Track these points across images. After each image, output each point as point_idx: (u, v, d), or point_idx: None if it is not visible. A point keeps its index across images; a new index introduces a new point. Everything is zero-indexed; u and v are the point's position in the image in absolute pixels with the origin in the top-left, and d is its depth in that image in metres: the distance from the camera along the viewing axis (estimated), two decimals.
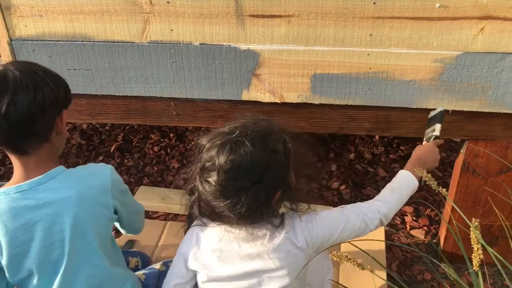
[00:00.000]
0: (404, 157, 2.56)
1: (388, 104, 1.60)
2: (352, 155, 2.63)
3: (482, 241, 0.99)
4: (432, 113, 1.54)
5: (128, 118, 1.82)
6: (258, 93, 1.64)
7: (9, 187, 1.22)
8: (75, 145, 2.87)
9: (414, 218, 2.18)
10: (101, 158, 2.75)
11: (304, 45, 1.53)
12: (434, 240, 2.07)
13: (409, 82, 1.54)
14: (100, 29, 1.60)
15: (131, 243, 1.97)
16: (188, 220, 1.35)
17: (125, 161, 2.73)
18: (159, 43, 1.59)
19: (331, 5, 1.45)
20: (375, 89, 1.58)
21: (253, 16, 1.50)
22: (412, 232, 2.12)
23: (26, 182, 1.22)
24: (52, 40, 1.65)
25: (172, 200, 2.28)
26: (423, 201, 2.22)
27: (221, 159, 1.11)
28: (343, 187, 2.39)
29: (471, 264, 1.02)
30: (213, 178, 1.13)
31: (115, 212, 1.34)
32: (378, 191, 1.38)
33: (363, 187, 2.39)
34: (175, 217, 2.23)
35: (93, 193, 1.26)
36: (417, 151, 1.45)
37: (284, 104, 1.66)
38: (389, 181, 1.40)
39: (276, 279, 1.23)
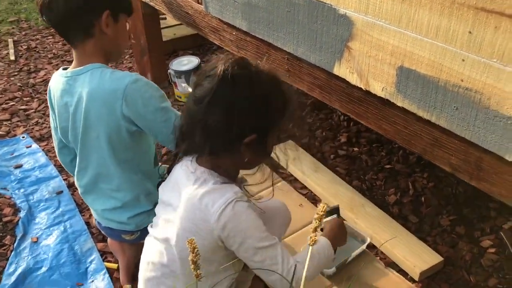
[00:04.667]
0: None
1: (476, 141, 1.11)
2: None
3: None
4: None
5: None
6: (347, 70, 1.39)
7: (64, 71, 1.44)
8: None
9: None
10: None
11: (396, 25, 1.19)
12: None
13: (508, 120, 1.02)
14: None
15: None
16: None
17: None
18: None
19: None
20: (463, 112, 1.11)
21: None
22: None
23: (70, 70, 1.42)
24: None
25: None
26: None
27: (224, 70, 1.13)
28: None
29: None
30: (210, 83, 1.14)
31: (134, 124, 1.38)
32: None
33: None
34: None
35: (104, 95, 1.34)
36: (332, 226, 1.41)
37: (372, 95, 1.35)
38: None
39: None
